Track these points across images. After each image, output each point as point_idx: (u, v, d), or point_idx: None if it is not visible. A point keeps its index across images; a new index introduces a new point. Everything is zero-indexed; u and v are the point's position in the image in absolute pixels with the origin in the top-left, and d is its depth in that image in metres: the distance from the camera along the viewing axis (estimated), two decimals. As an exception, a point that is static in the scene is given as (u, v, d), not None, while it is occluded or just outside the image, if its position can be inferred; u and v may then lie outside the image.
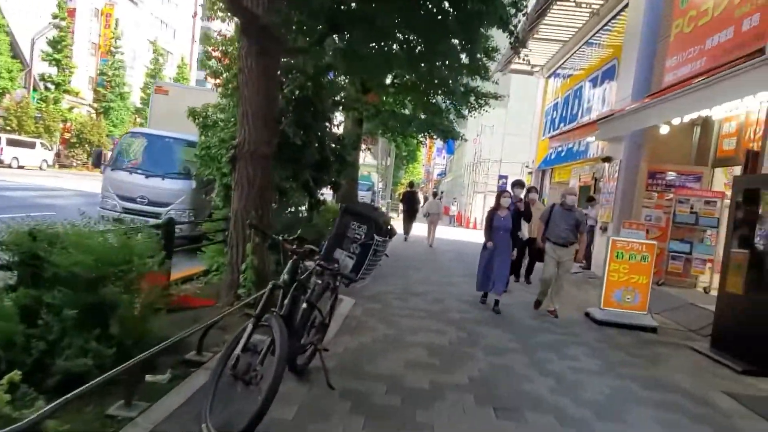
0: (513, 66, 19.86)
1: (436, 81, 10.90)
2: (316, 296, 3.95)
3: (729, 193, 9.83)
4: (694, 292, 9.58)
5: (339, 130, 11.62)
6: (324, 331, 4.33)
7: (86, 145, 35.89)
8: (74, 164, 36.02)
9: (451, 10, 7.40)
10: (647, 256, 7.44)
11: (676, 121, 8.44)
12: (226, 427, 2.95)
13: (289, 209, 9.06)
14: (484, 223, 8.16)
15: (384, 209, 29.53)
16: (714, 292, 9.15)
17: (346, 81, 11.68)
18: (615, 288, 7.46)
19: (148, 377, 3.82)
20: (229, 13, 7.96)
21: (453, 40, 8.38)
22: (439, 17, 7.30)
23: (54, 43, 36.49)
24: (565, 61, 17.97)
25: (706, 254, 9.72)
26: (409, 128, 14.89)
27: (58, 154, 35.23)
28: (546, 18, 14.87)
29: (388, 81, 12.79)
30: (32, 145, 29.62)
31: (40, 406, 2.90)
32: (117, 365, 3.42)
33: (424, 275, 10.39)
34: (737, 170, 9.69)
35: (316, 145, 8.58)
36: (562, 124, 17.38)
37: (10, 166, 26.87)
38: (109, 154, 11.71)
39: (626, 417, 4.11)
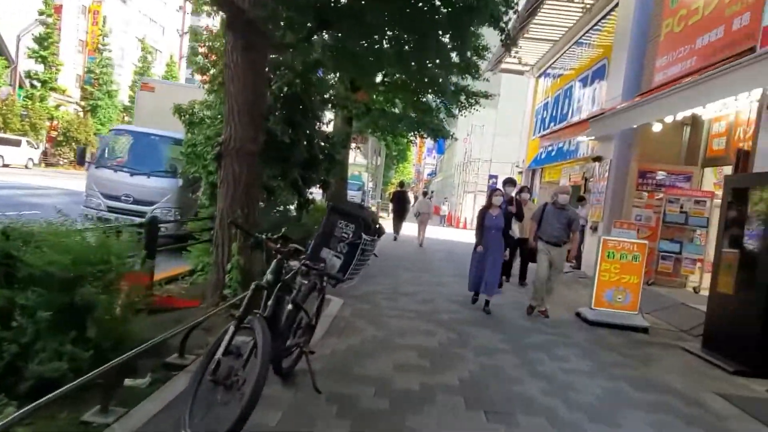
0: (503, 65, 19.85)
1: (426, 79, 10.81)
2: (302, 297, 3.84)
3: (719, 192, 9.87)
4: (684, 291, 9.57)
5: (328, 129, 11.49)
6: (311, 332, 4.21)
7: (73, 144, 35.40)
8: (61, 163, 35.58)
9: (441, 7, 7.31)
10: (638, 256, 7.39)
11: (669, 119, 8.40)
12: (207, 434, 2.83)
13: (277, 208, 8.93)
14: (475, 222, 8.03)
15: (374, 209, 29.52)
16: (704, 292, 9.16)
17: (336, 79, 11.57)
18: (606, 288, 7.40)
19: (128, 381, 3.70)
20: (214, 8, 7.80)
21: (443, 38, 8.30)
22: (429, 14, 7.21)
23: (40, 40, 36.03)
24: (555, 61, 17.96)
25: (695, 254, 9.70)
26: (399, 127, 14.80)
27: (45, 153, 34.77)
28: (536, 17, 14.84)
29: (378, 79, 12.68)
30: (18, 143, 29.18)
31: (9, 412, 2.76)
32: (94, 369, 3.30)
33: (414, 275, 10.29)
34: (727, 170, 9.70)
35: (305, 143, 8.47)
36: (552, 124, 17.37)
37: (-6, 165, 26.48)
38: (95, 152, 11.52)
39: (618, 419, 4.03)
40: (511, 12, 8.27)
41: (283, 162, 7.84)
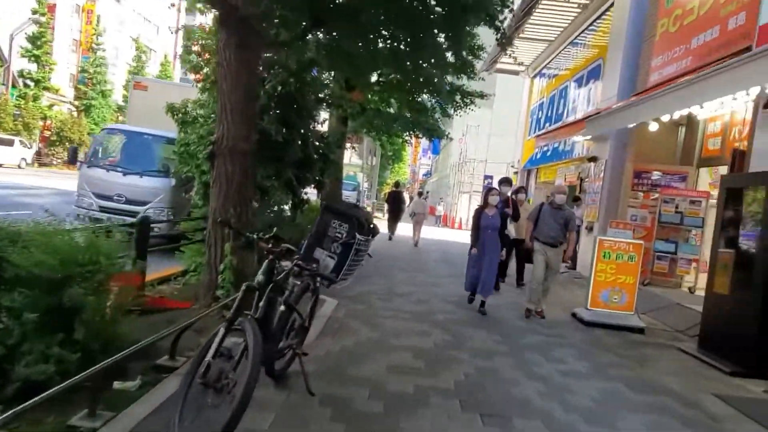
0: (499, 65, 19.83)
1: (421, 79, 10.76)
2: (294, 298, 3.77)
3: (714, 192, 9.87)
4: (679, 292, 9.55)
5: (323, 128, 11.42)
6: (304, 334, 4.15)
7: (67, 144, 35.17)
8: (54, 162, 35.34)
9: (436, 6, 7.26)
10: (634, 256, 7.36)
11: (665, 118, 8.37)
12: (197, 438, 2.77)
13: (272, 208, 8.86)
14: (470, 222, 7.98)
15: (369, 209, 29.48)
16: (699, 292, 9.14)
17: (331, 78, 11.52)
18: (602, 288, 7.36)
19: (116, 384, 3.63)
20: (207, 5, 7.72)
21: (439, 37, 8.26)
22: (424, 13, 7.16)
23: (33, 39, 35.81)
24: (550, 61, 17.95)
25: (691, 254, 9.68)
26: (394, 126, 14.75)
27: (38, 153, 34.54)
28: (532, 17, 14.80)
29: (374, 79, 12.63)
30: (10, 143, 28.95)
31: (-6, 415, 2.69)
32: (82, 371, 3.23)
33: (409, 275, 10.24)
34: (722, 170, 9.68)
35: (299, 142, 8.40)
36: (547, 124, 17.35)
37: (-13, 164, 26.27)
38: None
39: (616, 422, 3.99)
40: (506, 11, 8.23)
41: (277, 161, 7.77)
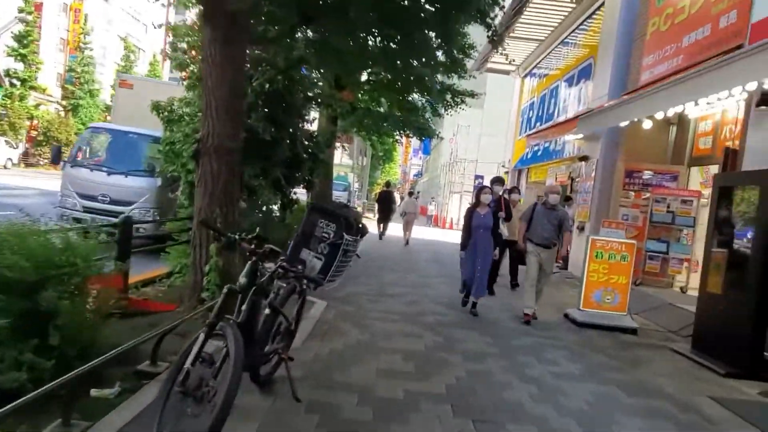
0: (490, 65, 19.78)
1: (412, 78, 10.67)
2: (280, 300, 3.64)
3: (705, 192, 9.84)
4: (671, 291, 9.51)
5: (313, 127, 11.28)
6: (290, 337, 4.01)
7: (54, 143, 34.73)
8: (41, 163, 34.88)
9: (427, 3, 7.16)
10: (627, 256, 7.29)
11: (659, 116, 8.32)
12: (175, 449, 2.63)
13: (261, 208, 8.71)
14: (462, 221, 7.76)
15: (360, 209, 29.36)
16: (691, 292, 9.11)
17: (321, 76, 11.37)
18: (594, 288, 7.28)
19: (94, 392, 3.47)
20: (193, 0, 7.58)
21: (429, 35, 8.15)
22: (415, 10, 7.06)
23: (20, 38, 35.34)
24: (541, 61, 17.91)
25: (682, 254, 9.64)
26: (384, 126, 14.63)
27: (25, 153, 34.09)
28: (522, 16, 14.74)
29: (364, 78, 12.52)
30: (-4, 143, 28.56)
31: (-40, 427, 2.55)
32: (57, 378, 3.08)
33: (400, 276, 10.12)
34: (713, 169, 9.65)
35: (288, 141, 8.27)
36: (538, 124, 17.30)
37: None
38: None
39: (612, 426, 3.89)
40: (497, 8, 8.13)
41: (265, 160, 7.63)
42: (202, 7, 5.81)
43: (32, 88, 36.67)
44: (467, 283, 7.33)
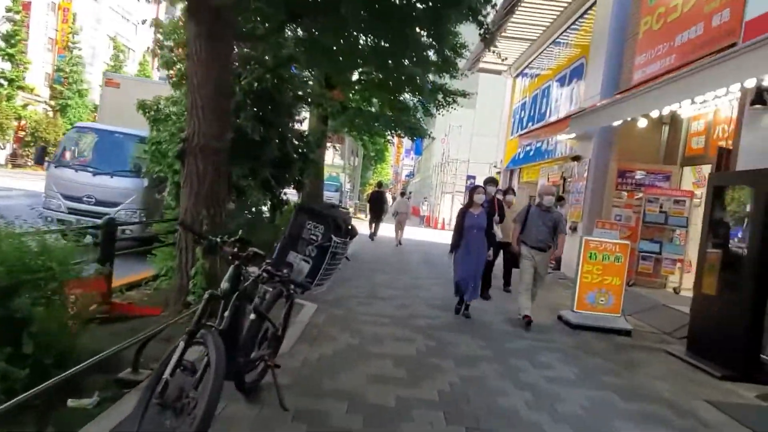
0: (481, 65, 19.69)
1: (403, 77, 10.56)
2: (266, 305, 3.50)
3: (698, 192, 9.80)
4: (664, 292, 9.45)
5: (303, 127, 11.14)
6: (277, 343, 3.87)
7: (38, 144, 34.33)
8: (29, 163, 34.49)
9: (418, 2, 7.04)
10: (620, 257, 7.19)
11: (654, 114, 8.25)
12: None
13: (251, 209, 8.56)
14: (455, 222, 7.53)
15: (352, 210, 29.22)
16: (684, 293, 9.06)
17: (311, 75, 11.25)
18: (588, 290, 7.18)
19: (71, 402, 3.32)
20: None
21: (421, 33, 8.04)
22: (406, 7, 6.94)
23: (7, 38, 35.00)
24: (532, 61, 17.86)
25: (675, 254, 9.59)
26: (376, 125, 14.52)
27: (13, 154, 33.68)
28: (514, 15, 14.67)
29: (355, 77, 12.40)
30: (-18, 144, 28.17)
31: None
32: (31, 389, 2.94)
33: (392, 277, 10.00)
34: (706, 168, 9.61)
35: (277, 141, 8.13)
36: (530, 124, 17.24)
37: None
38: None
39: (607, 432, 3.79)
40: (489, 6, 8.03)
41: (254, 160, 7.49)
42: (186, 2, 5.67)
43: (20, 88, 36.32)
44: (460, 285, 7.12)
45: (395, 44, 7.81)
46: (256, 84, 7.55)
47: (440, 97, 13.88)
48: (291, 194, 10.72)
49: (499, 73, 21.15)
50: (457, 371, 4.76)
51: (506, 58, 18.02)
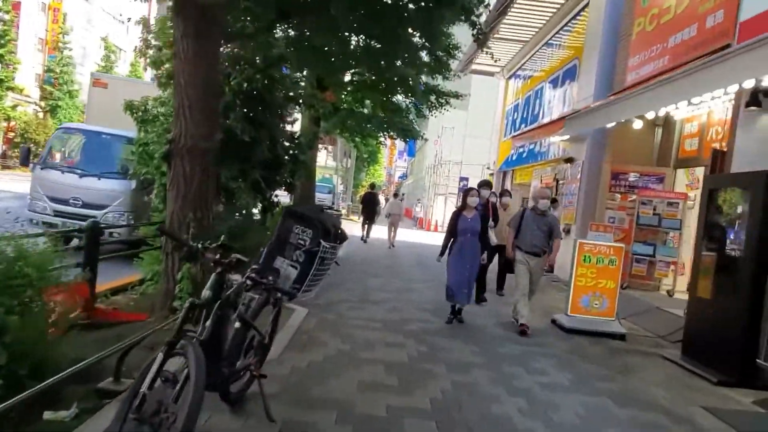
0: (474, 66, 19.63)
1: (396, 78, 10.48)
2: (252, 313, 3.37)
3: (692, 194, 9.75)
4: (658, 295, 9.40)
5: (295, 128, 11.01)
6: (264, 352, 3.74)
7: (22, 144, 33.96)
8: (18, 165, 34.10)
9: (409, 2, 6.95)
10: (615, 260, 7.11)
11: (650, 115, 8.20)
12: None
13: (241, 212, 8.42)
14: (448, 225, 7.37)
15: (344, 211, 29.12)
16: (678, 295, 9.00)
17: (303, 76, 11.13)
18: (582, 293, 7.09)
19: (47, 414, 3.18)
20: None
21: (413, 34, 7.95)
22: (397, 7, 6.85)
23: (-4, 38, 34.59)
24: (525, 62, 17.82)
25: (669, 256, 9.54)
26: (368, 127, 14.42)
27: (2, 155, 33.32)
28: (507, 17, 14.61)
29: (347, 78, 12.30)
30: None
31: None
32: (6, 401, 2.81)
33: (384, 281, 9.88)
34: (699, 171, 9.57)
35: (267, 142, 7.99)
36: (523, 125, 17.19)
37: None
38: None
39: (603, 441, 3.70)
40: (482, 6, 7.95)
41: (243, 162, 7.37)
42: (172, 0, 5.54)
43: (9, 88, 35.95)
44: (452, 289, 6.95)
45: (387, 45, 7.72)
46: (246, 84, 7.42)
47: (433, 98, 13.81)
48: (282, 196, 10.59)
49: (492, 74, 21.10)
50: (449, 377, 4.65)
51: (499, 60, 17.94)
